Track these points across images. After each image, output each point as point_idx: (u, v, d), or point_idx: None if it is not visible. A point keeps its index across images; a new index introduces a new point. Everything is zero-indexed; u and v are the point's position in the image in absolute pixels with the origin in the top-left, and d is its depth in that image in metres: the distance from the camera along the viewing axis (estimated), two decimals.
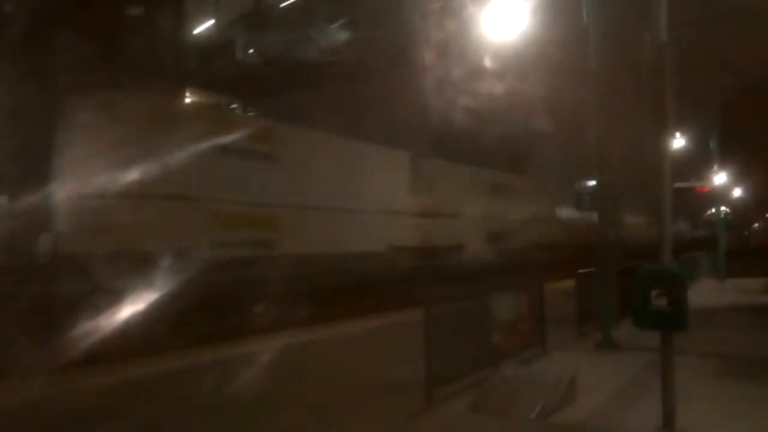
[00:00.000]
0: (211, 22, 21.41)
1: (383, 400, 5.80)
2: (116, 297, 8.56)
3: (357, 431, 5.10)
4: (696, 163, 23.50)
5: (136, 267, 9.92)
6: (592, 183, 10.22)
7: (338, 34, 18.96)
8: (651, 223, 35.91)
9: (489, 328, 6.52)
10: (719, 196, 24.69)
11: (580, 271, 9.40)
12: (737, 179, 26.39)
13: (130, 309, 8.39)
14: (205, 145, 12.38)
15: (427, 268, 18.18)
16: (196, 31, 21.33)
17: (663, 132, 4.69)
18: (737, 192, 29.54)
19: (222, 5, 21.24)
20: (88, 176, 10.72)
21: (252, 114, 22.55)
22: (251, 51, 21.04)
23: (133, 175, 10.81)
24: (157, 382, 6.56)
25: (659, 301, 4.44)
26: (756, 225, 53.14)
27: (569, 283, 9.60)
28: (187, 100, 19.05)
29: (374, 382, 6.45)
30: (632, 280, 4.71)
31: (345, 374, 6.90)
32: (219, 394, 5.69)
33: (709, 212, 37.93)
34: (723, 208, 25.28)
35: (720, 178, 23.72)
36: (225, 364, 7.10)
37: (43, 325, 7.76)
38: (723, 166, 23.44)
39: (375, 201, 18.00)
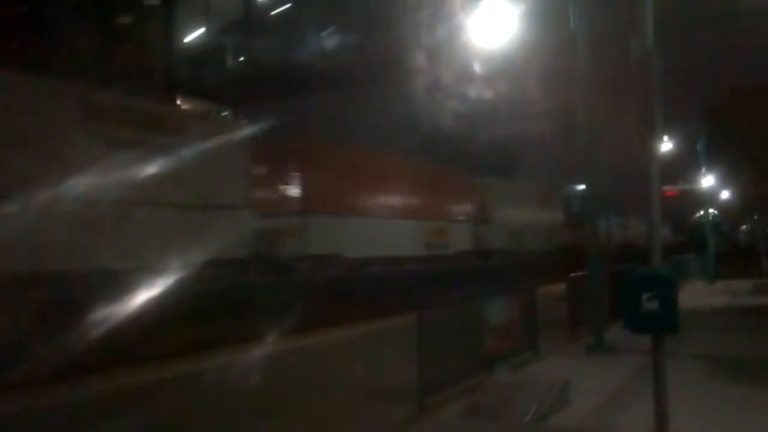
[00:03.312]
0: (202, 29, 21.40)
1: (376, 407, 5.79)
2: None
3: None
4: (683, 166, 23.67)
5: None
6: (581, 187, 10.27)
7: (329, 41, 18.98)
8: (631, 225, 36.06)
9: (481, 333, 6.53)
10: (707, 198, 24.83)
11: (572, 274, 9.42)
12: (725, 181, 26.50)
13: None
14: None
15: None
16: (187, 39, 21.31)
17: (650, 135, 4.73)
18: (725, 194, 29.61)
19: (213, 12, 21.24)
20: None
21: (243, 121, 22.51)
22: (242, 58, 21.03)
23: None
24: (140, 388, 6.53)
25: (650, 304, 4.46)
26: (744, 227, 53.46)
27: (561, 287, 9.63)
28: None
29: (367, 388, 6.44)
30: (623, 283, 4.73)
31: (337, 381, 6.88)
32: (210, 401, 5.67)
33: (696, 215, 38.16)
34: (711, 210, 25.42)
35: (707, 180, 23.87)
36: (214, 371, 7.07)
37: None
38: (711, 168, 23.57)
39: None
